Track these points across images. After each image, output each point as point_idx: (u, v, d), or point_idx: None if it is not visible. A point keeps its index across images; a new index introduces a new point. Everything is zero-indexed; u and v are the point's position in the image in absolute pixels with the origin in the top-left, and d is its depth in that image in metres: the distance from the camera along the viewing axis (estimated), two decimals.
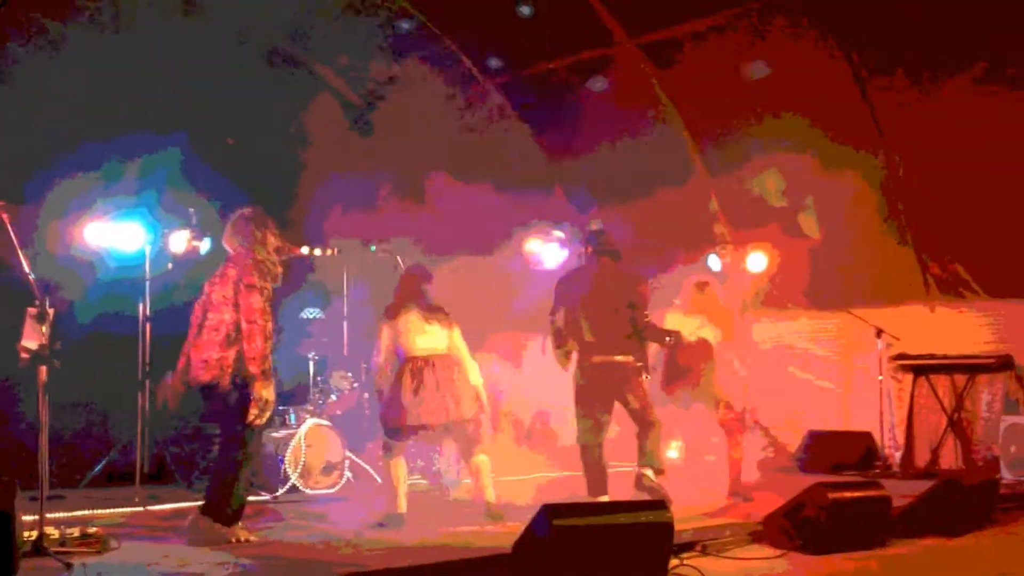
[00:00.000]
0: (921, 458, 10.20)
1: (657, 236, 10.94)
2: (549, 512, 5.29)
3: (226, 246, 6.91)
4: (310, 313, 10.17)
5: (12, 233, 5.85)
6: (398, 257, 9.81)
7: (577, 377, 7.81)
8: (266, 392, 6.50)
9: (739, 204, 11.21)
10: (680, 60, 10.66)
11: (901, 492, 7.40)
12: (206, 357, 6.61)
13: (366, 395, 10.16)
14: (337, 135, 10.75)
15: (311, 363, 9.73)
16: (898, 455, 10.34)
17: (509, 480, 9.61)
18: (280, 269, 6.85)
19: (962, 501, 7.17)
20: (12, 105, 8.71)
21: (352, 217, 9.85)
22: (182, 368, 6.76)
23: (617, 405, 7.87)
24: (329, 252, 9.90)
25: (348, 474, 9.24)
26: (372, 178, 10.77)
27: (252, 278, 6.62)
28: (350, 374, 9.89)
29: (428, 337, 7.56)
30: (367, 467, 9.48)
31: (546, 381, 9.48)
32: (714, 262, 11.17)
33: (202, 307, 6.79)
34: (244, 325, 6.56)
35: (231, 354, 6.57)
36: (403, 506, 7.34)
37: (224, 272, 6.77)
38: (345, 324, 10.50)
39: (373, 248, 10.22)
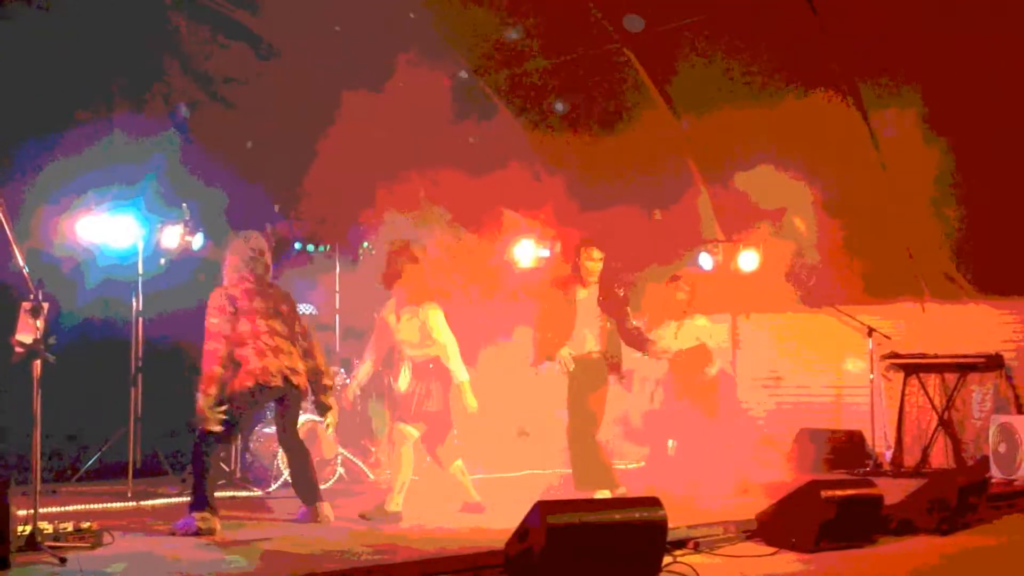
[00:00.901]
0: (912, 457, 10.24)
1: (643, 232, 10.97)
2: (543, 509, 5.31)
3: (256, 267, 7.16)
4: (304, 309, 10.16)
5: (7, 226, 5.82)
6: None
7: (603, 374, 7.99)
8: None
9: (731, 202, 11.23)
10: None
11: (892, 490, 7.43)
12: (296, 366, 7.07)
13: (358, 392, 10.16)
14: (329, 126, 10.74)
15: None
16: (889, 454, 10.37)
17: (502, 478, 9.66)
18: None
19: (952, 500, 7.20)
20: None
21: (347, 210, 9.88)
22: (246, 377, 6.89)
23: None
24: (322, 248, 9.92)
25: (340, 470, 9.24)
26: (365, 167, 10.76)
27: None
28: (342, 371, 9.89)
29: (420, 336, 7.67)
30: (359, 463, 9.49)
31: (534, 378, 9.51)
32: (705, 260, 11.19)
33: (237, 318, 6.94)
34: (307, 343, 7.26)
35: (307, 364, 7.18)
36: (400, 503, 7.40)
37: (267, 288, 7.17)
38: (337, 320, 10.50)
39: (366, 244, 10.23)
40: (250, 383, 6.88)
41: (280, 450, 8.71)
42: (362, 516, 7.33)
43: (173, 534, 6.63)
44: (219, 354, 6.85)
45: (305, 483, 7.29)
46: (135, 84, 9.76)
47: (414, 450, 7.58)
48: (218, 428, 6.82)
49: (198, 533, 6.60)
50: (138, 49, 9.68)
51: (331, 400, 7.32)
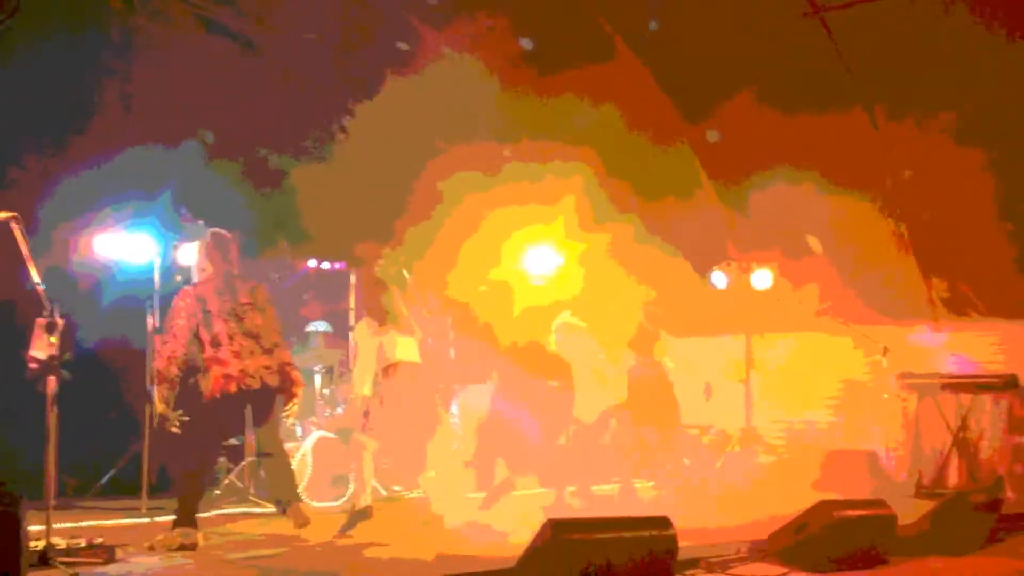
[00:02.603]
0: (926, 477, 10.18)
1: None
2: (554, 527, 5.32)
3: (221, 264, 7.25)
4: (317, 326, 10.19)
5: (23, 243, 5.88)
6: (404, 271, 9.83)
7: None
8: None
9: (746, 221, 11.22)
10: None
11: (906, 511, 7.39)
12: (270, 364, 7.07)
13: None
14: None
15: (318, 376, 9.76)
16: (903, 474, 10.32)
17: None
18: None
19: (967, 521, 7.17)
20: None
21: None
22: (227, 382, 6.93)
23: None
24: (337, 265, 9.97)
25: (352, 485, 9.24)
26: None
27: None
28: None
29: (407, 347, 7.96)
30: (373, 480, 9.49)
31: None
32: (719, 279, 11.18)
33: (229, 315, 7.00)
34: (276, 336, 7.19)
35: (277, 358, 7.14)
36: (369, 499, 7.55)
37: (234, 283, 7.17)
38: (351, 337, 10.51)
39: (382, 261, 10.25)
40: (232, 388, 6.92)
41: (294, 466, 8.75)
42: (343, 532, 7.32)
43: (152, 548, 6.65)
44: (177, 356, 6.89)
45: (281, 486, 7.24)
46: (154, 101, 9.82)
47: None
48: (177, 429, 6.88)
49: (181, 548, 6.62)
50: (159, 66, 9.75)
51: (298, 391, 7.33)
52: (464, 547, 6.83)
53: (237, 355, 6.96)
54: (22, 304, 6.39)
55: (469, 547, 6.83)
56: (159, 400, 6.86)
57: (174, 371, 6.89)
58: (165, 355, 6.92)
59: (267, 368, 7.06)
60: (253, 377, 6.98)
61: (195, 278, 7.31)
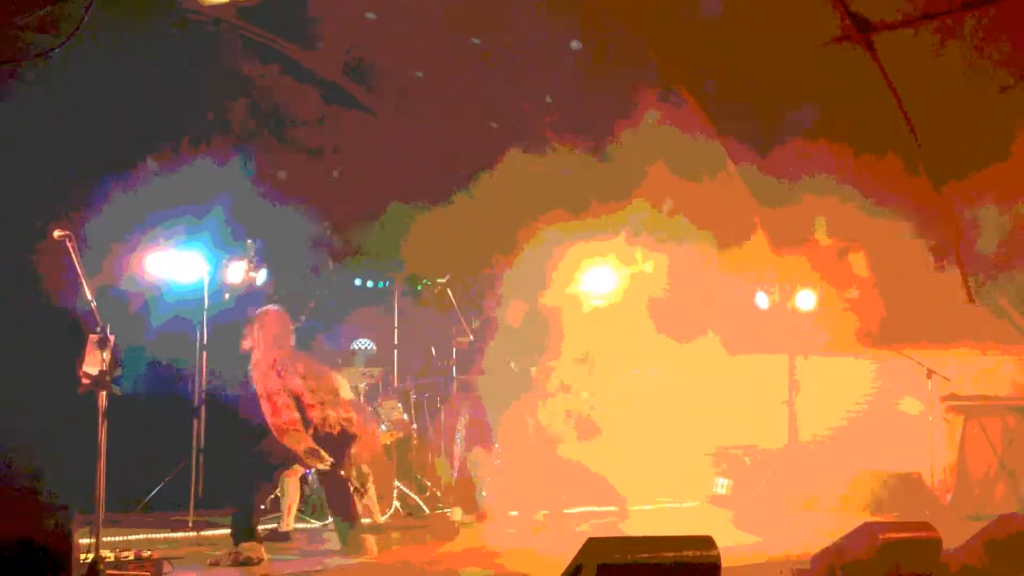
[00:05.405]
0: (972, 500, 10.07)
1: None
2: (594, 547, 5.32)
3: (291, 339, 7.60)
4: (362, 344, 10.28)
5: (77, 261, 6.00)
6: (449, 291, 9.92)
7: None
8: None
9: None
10: None
11: (951, 534, 7.32)
12: (350, 416, 7.49)
13: (414, 426, 10.25)
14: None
15: (360, 394, 9.84)
16: (948, 497, 10.22)
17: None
18: None
19: (1013, 544, 7.08)
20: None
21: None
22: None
23: None
24: (381, 284, 10.06)
25: (396, 503, 9.31)
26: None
27: None
28: (400, 405, 9.97)
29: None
30: (415, 497, 9.55)
31: None
32: (762, 300, 11.15)
33: (287, 378, 7.33)
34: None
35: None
36: (292, 523, 8.13)
37: (299, 355, 7.58)
38: (396, 355, 10.59)
39: (426, 280, 10.35)
40: (336, 430, 7.32)
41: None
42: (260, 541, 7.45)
43: (217, 564, 6.73)
44: (296, 417, 7.15)
45: (343, 519, 7.42)
46: (201, 122, 9.99)
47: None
48: (325, 466, 7.18)
49: (247, 563, 6.70)
50: (206, 88, 9.92)
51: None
52: (504, 566, 6.86)
53: (323, 404, 7.30)
54: (75, 320, 6.52)
55: (509, 566, 6.87)
56: (305, 445, 7.13)
57: (297, 415, 7.18)
58: (285, 420, 7.14)
59: (347, 420, 7.43)
60: (334, 426, 7.34)
61: (265, 348, 7.45)
